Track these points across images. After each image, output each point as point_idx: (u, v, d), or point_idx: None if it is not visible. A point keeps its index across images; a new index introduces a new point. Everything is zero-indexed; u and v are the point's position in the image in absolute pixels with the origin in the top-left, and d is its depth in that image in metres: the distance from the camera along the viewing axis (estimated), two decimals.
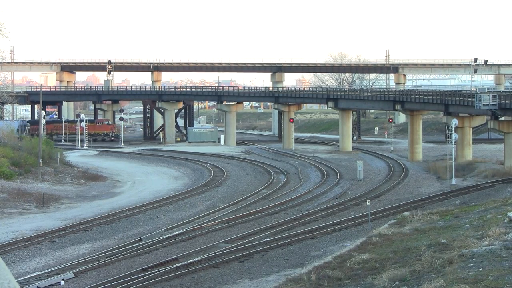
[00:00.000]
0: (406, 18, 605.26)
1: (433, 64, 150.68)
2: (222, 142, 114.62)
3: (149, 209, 50.93)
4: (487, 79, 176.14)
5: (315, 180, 67.46)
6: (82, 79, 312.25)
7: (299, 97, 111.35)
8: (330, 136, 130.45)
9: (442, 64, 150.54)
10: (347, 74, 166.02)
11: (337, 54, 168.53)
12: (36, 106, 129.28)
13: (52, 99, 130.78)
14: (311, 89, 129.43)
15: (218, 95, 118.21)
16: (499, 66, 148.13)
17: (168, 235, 41.00)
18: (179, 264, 33.72)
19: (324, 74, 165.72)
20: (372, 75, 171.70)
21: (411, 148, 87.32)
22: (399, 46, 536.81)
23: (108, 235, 42.61)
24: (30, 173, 66.95)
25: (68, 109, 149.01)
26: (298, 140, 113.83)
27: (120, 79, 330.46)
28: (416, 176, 69.72)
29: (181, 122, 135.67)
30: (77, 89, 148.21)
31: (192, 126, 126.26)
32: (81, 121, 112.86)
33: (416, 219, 39.29)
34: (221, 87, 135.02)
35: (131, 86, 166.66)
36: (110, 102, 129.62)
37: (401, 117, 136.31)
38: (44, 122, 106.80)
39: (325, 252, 36.42)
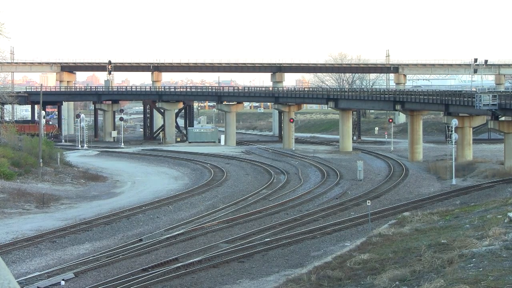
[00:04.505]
0: (406, 18, 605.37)
1: (433, 64, 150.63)
2: (222, 142, 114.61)
3: (149, 209, 50.93)
4: (487, 79, 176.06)
5: (315, 180, 67.43)
6: (82, 79, 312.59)
7: (299, 97, 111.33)
8: (330, 136, 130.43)
9: (442, 64, 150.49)
10: (347, 74, 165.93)
11: (337, 54, 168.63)
12: (36, 106, 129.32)
13: (52, 99, 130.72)
14: (311, 89, 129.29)
15: (218, 95, 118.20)
16: (499, 66, 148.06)
17: (168, 235, 41.00)
18: (179, 264, 33.73)
19: (324, 74, 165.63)
20: (372, 75, 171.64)
21: (411, 148, 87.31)
22: (399, 46, 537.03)
23: (108, 235, 42.60)
24: (30, 173, 66.93)
25: (68, 109, 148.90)
26: (298, 140, 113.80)
27: (120, 79, 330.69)
28: (416, 176, 69.71)
29: (181, 122, 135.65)
30: (77, 89, 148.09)
31: (192, 126, 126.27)
32: (26, 121, 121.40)
33: (416, 219, 39.27)
34: (221, 87, 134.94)
35: (131, 86, 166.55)
36: (110, 102, 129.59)
37: (401, 117, 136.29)
38: None
39: (325, 252, 36.42)
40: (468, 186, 59.91)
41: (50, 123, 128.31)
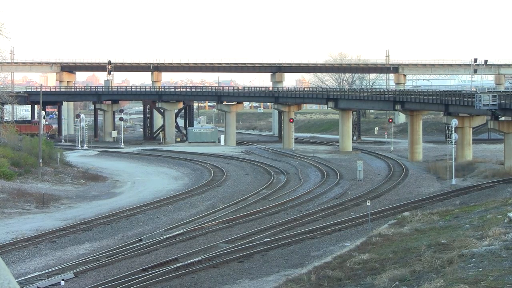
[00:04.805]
0: (406, 18, 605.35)
1: (433, 64, 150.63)
2: (222, 142, 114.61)
3: (149, 209, 50.92)
4: (487, 79, 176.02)
5: (315, 180, 67.41)
6: (82, 79, 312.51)
7: (299, 97, 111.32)
8: (330, 136, 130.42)
9: (442, 64, 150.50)
10: (347, 74, 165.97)
11: (337, 54, 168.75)
12: (36, 106, 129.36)
13: (52, 99, 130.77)
14: (311, 89, 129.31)
15: (218, 95, 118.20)
16: (499, 66, 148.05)
17: (168, 235, 40.99)
18: (179, 264, 33.72)
19: (324, 74, 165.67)
20: (372, 75, 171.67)
21: (411, 148, 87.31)
22: (399, 46, 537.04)
23: (108, 235, 42.60)
24: (30, 173, 66.93)
25: (68, 109, 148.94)
26: (298, 140, 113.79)
27: (120, 79, 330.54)
28: (416, 176, 69.69)
29: (181, 122, 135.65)
30: (77, 89, 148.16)
31: (192, 126, 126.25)
32: (24, 122, 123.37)
33: (416, 219, 39.27)
34: (221, 87, 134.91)
35: (131, 86, 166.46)
36: (110, 102, 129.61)
37: (401, 117, 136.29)
38: None
39: (325, 252, 36.42)
40: (468, 186, 59.88)
41: (47, 123, 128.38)
